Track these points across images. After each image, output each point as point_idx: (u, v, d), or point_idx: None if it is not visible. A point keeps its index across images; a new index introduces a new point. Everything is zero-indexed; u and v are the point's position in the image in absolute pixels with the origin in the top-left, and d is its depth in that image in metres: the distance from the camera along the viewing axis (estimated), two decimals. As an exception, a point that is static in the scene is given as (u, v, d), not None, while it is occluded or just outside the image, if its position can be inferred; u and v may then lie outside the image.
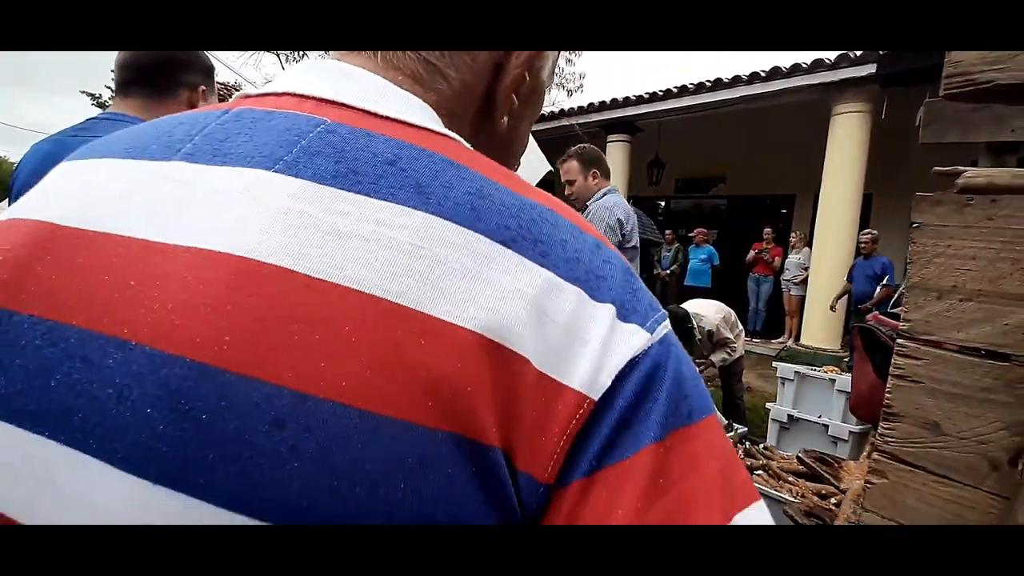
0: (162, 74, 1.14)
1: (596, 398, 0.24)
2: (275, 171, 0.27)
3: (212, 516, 0.22)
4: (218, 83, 1.46)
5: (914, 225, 0.67)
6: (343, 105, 0.30)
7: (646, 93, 7.18)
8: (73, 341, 0.24)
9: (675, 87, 6.85)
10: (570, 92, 17.08)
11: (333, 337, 0.23)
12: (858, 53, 5.24)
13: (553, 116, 8.22)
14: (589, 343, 0.25)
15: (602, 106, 7.62)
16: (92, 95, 14.37)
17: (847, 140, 5.70)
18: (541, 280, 0.25)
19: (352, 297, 0.23)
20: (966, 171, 0.68)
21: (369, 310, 0.23)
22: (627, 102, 7.35)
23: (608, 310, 0.26)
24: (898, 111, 5.10)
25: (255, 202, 0.26)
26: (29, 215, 0.28)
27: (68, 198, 0.29)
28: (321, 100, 0.31)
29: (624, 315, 0.26)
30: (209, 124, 0.31)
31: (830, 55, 5.53)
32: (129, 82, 1.13)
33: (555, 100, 16.43)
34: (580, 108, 7.99)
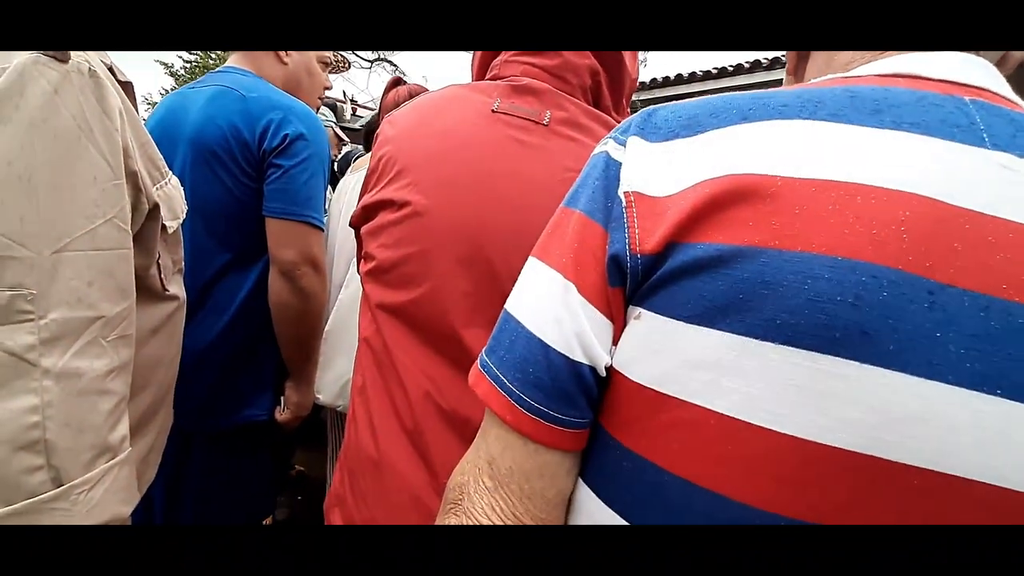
0: None
1: None
2: None
3: None
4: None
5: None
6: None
7: (714, 68, 6.86)
8: (1019, 315, 0.27)
9: (747, 62, 6.51)
10: (629, 68, 16.53)
11: None
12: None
13: (613, 92, 7.99)
14: None
15: (666, 82, 7.34)
16: (165, 64, 15.11)
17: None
18: None
19: None
20: None
21: None
22: (693, 78, 7.05)
23: None
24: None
25: None
26: (892, 185, 0.29)
27: (936, 178, 0.30)
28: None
29: None
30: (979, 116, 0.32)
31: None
32: None
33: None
34: (643, 84, 7.72)
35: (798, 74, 0.47)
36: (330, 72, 1.34)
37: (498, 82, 0.71)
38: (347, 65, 1.43)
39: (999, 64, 0.40)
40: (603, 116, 0.70)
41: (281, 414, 1.19)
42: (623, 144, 0.38)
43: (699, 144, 0.34)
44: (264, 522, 1.41)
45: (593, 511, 0.38)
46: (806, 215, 0.29)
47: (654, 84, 7.46)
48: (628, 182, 0.36)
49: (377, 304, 0.71)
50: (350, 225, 0.79)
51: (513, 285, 0.63)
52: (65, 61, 0.53)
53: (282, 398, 1.19)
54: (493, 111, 0.68)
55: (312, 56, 1.30)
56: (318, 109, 1.47)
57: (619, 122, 0.75)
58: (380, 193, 0.71)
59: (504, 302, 0.64)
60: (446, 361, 0.65)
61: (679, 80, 7.17)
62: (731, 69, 6.64)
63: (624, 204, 0.35)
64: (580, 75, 0.71)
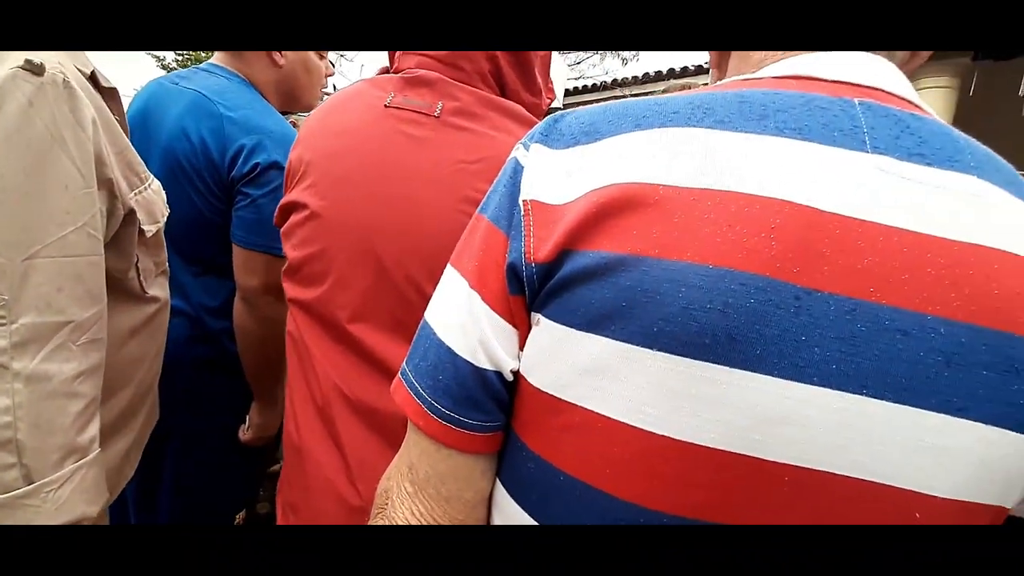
0: None
1: None
2: None
3: None
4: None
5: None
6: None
7: (705, 63, 6.85)
8: (886, 317, 0.28)
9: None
10: (625, 61, 16.26)
11: None
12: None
13: (606, 86, 7.98)
14: None
15: (658, 76, 7.33)
16: (158, 57, 14.99)
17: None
18: None
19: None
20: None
21: None
22: (685, 72, 7.04)
23: None
24: (988, 87, 4.68)
25: None
26: (766, 193, 0.30)
27: (810, 184, 0.30)
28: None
29: None
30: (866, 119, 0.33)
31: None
32: None
33: (609, 70, 15.89)
34: (636, 78, 7.71)
35: (721, 68, 0.48)
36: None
37: (395, 75, 0.71)
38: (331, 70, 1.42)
39: (909, 61, 0.41)
40: (503, 103, 0.69)
41: (244, 434, 1.17)
42: (529, 150, 0.38)
43: (595, 151, 0.35)
44: (238, 517, 1.42)
45: (508, 510, 0.40)
46: (683, 224, 0.30)
47: (647, 79, 7.45)
48: (527, 190, 0.37)
49: (290, 299, 0.74)
50: (274, 224, 0.80)
51: (403, 280, 0.64)
52: (41, 74, 0.55)
53: (248, 417, 1.18)
54: (386, 106, 0.68)
55: (309, 51, 1.24)
56: (320, 99, 1.44)
57: (533, 104, 0.74)
58: (290, 195, 0.73)
59: (396, 297, 0.65)
60: (348, 353, 0.68)
61: (671, 75, 7.17)
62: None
63: (523, 212, 0.36)
64: (474, 61, 0.69)
